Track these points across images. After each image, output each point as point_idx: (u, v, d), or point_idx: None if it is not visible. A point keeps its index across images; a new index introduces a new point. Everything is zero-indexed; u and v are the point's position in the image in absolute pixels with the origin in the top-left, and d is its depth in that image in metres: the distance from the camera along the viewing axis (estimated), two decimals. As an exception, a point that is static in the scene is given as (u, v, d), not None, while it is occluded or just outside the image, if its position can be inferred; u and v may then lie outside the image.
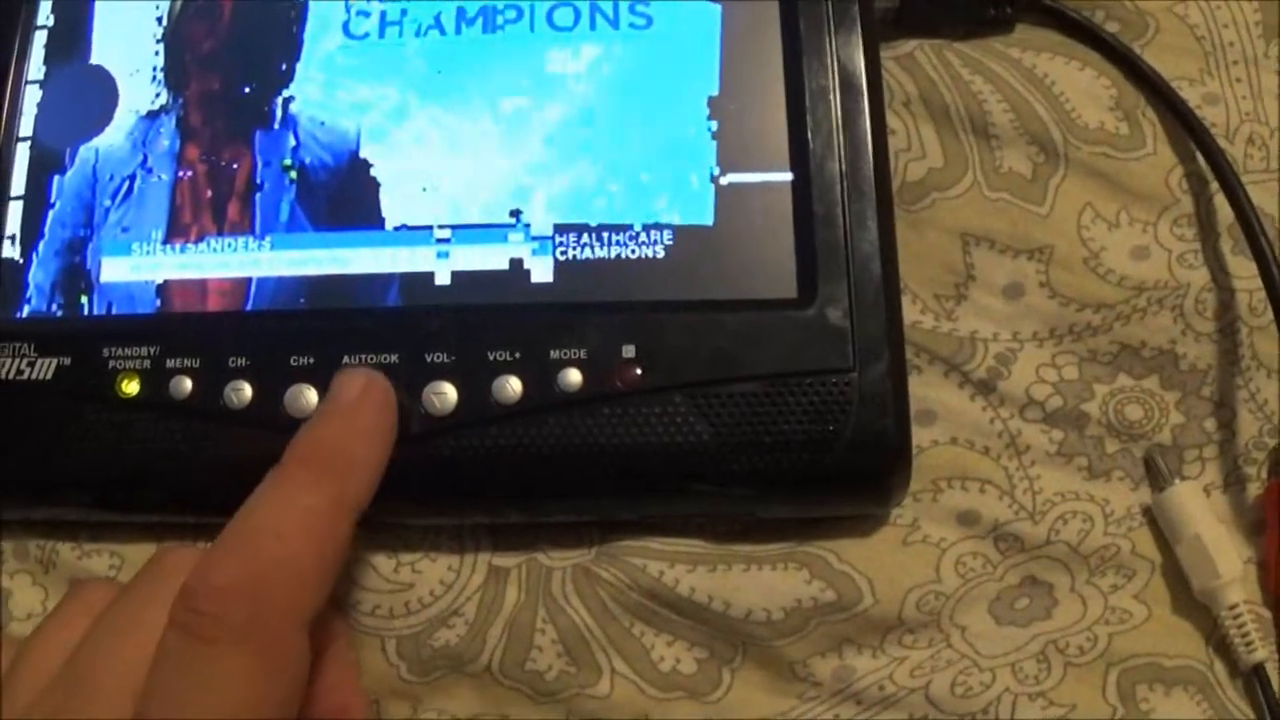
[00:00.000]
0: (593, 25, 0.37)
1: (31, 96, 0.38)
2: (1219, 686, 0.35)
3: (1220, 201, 0.39)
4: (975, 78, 0.40)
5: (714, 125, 0.36)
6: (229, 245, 0.36)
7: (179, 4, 0.39)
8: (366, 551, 0.36)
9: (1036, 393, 0.38)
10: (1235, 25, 0.41)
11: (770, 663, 0.35)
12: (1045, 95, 0.40)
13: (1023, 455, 0.37)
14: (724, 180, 0.36)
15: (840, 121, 0.35)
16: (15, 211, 0.37)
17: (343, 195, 0.36)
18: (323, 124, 0.37)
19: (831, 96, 0.35)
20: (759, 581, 0.35)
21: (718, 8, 0.37)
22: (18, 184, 0.37)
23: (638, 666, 0.35)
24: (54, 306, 0.36)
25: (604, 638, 0.35)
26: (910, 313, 0.38)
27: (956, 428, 0.37)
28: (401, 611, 0.35)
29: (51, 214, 0.37)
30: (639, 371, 0.33)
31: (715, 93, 0.36)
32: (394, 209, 0.36)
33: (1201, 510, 0.36)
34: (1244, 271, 0.38)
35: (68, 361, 0.34)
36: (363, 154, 0.37)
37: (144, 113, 0.38)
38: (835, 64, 0.36)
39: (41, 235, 0.37)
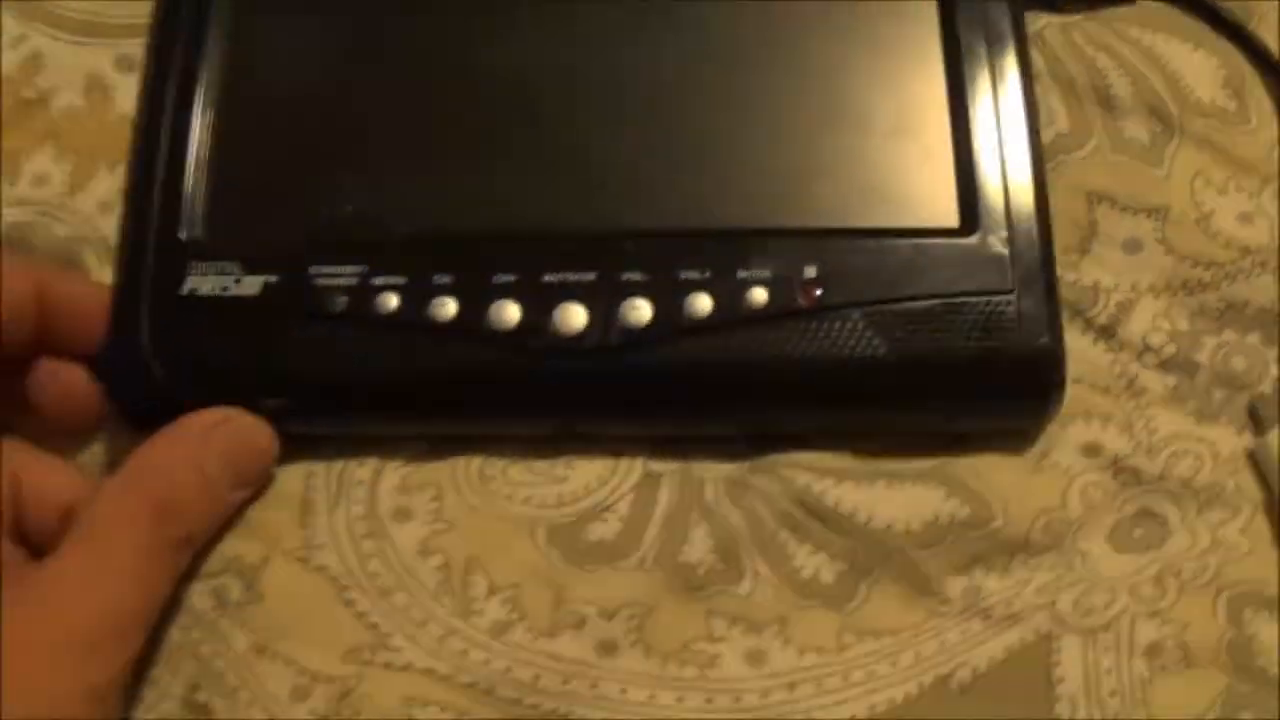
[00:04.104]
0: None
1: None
2: (1317, 614, 0.41)
3: (1319, 175, 0.45)
4: (1099, 54, 0.47)
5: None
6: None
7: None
8: (521, 456, 0.41)
9: (1152, 340, 0.44)
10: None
11: (905, 577, 0.40)
12: (1162, 72, 0.47)
13: (1140, 397, 0.43)
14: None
15: (992, 73, 0.42)
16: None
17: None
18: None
19: (980, 49, 0.42)
20: (901, 495, 0.41)
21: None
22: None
23: (780, 572, 0.40)
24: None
25: (751, 541, 0.40)
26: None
27: (1081, 368, 0.43)
28: (554, 501, 0.40)
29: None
30: (820, 291, 0.39)
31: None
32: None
33: None
34: None
35: (274, 279, 0.40)
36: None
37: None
38: (986, 26, 0.42)
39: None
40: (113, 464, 0.41)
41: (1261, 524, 0.42)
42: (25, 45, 0.47)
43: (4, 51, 0.47)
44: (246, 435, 0.39)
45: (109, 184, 0.44)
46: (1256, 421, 0.43)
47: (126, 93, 0.46)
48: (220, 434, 0.38)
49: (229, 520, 0.39)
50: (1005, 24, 0.43)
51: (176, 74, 0.43)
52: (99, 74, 0.47)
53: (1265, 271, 0.44)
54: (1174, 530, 0.42)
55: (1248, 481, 0.43)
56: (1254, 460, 0.43)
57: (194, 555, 0.38)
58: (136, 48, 0.46)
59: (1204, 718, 0.39)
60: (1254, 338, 0.44)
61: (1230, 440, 0.43)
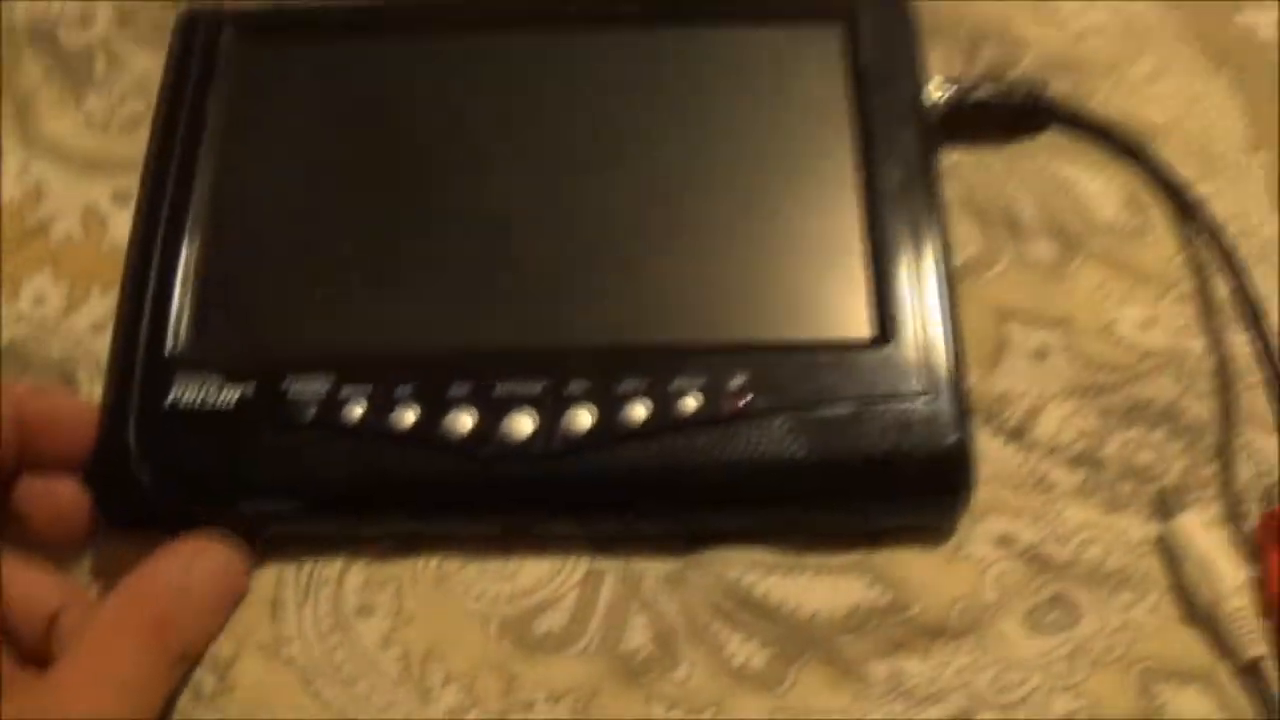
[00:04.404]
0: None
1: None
2: (1223, 684, 0.43)
3: (1214, 282, 0.49)
4: (1009, 182, 0.51)
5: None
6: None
7: None
8: (476, 555, 0.45)
9: (1061, 440, 0.47)
10: (1228, 138, 0.52)
11: (832, 662, 0.43)
12: (1067, 194, 0.51)
13: (1050, 492, 0.47)
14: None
15: (906, 201, 0.47)
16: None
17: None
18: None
19: (895, 180, 0.47)
20: (825, 585, 0.44)
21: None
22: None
23: (714, 659, 0.43)
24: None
25: (686, 631, 0.43)
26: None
27: (993, 468, 0.46)
28: (505, 597, 0.44)
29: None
30: (746, 399, 0.43)
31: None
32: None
33: (1204, 535, 0.45)
34: (1236, 340, 0.48)
35: (251, 391, 0.44)
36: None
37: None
38: (903, 162, 0.47)
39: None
40: (99, 572, 0.45)
41: (1169, 604, 0.45)
42: (29, 176, 0.52)
43: (9, 181, 0.52)
44: (228, 560, 0.42)
45: (102, 306, 0.49)
46: (1164, 509, 0.47)
47: (121, 224, 0.50)
48: (205, 559, 0.42)
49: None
50: (917, 159, 0.48)
51: (168, 204, 0.48)
52: (96, 206, 0.52)
53: (1167, 372, 0.48)
54: (1085, 613, 0.45)
55: (1156, 565, 0.46)
56: (1163, 545, 0.46)
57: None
58: (132, 183, 0.50)
59: (1115, 785, 0.42)
60: (1159, 433, 0.48)
61: (1139, 528, 0.46)
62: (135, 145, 0.51)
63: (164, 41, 0.53)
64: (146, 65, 0.54)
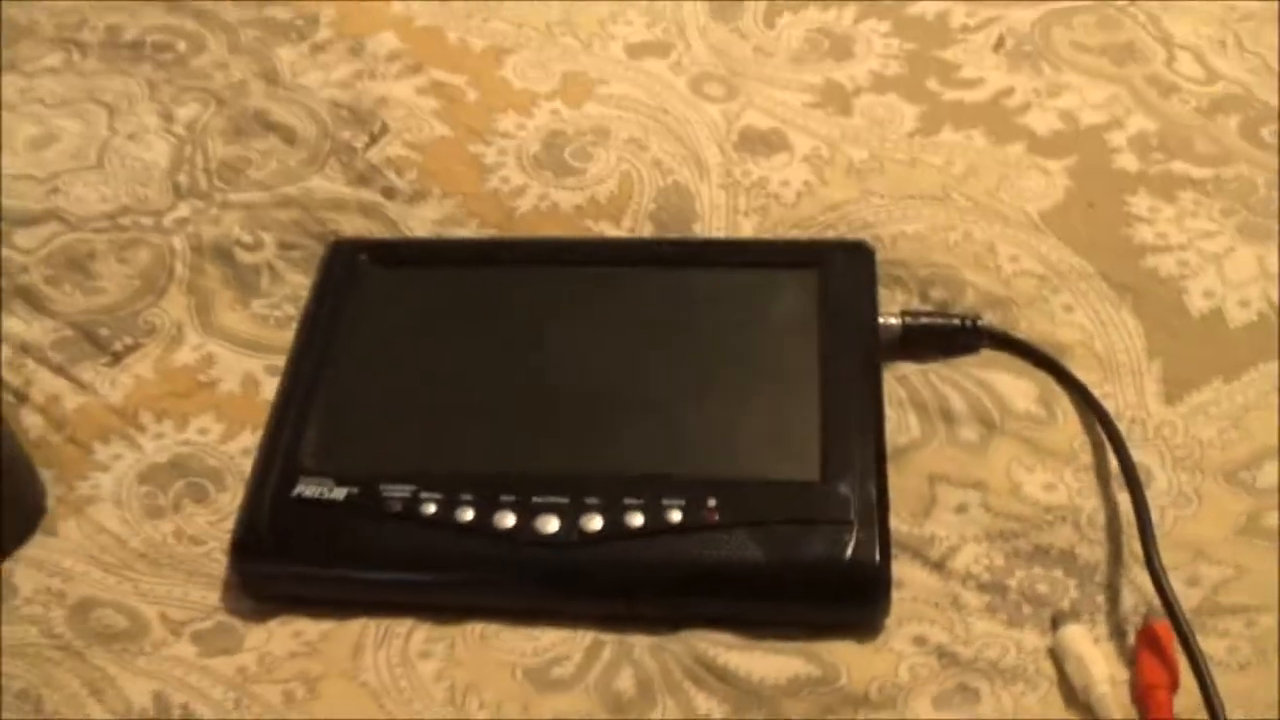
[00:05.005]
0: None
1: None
2: (1098, 759, 0.55)
3: (1109, 458, 0.63)
4: (945, 385, 0.67)
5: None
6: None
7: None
8: (510, 624, 0.59)
9: (974, 571, 0.61)
10: (1128, 351, 0.68)
11: (774, 718, 0.56)
12: (990, 394, 0.67)
13: (962, 610, 0.60)
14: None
15: (841, 388, 0.63)
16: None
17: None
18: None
19: (851, 372, 0.64)
20: (773, 661, 0.57)
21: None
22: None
23: (683, 709, 0.56)
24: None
25: (663, 685, 0.57)
26: (892, 522, 0.62)
27: (916, 590, 0.60)
28: (530, 653, 0.58)
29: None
30: (718, 515, 0.58)
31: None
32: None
33: (1084, 641, 0.57)
34: (1122, 501, 0.62)
35: (355, 491, 0.61)
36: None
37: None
38: (854, 363, 0.65)
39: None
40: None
41: (1055, 695, 0.57)
42: (204, 349, 0.72)
43: (189, 352, 0.71)
44: None
45: (249, 440, 0.67)
46: (1056, 626, 0.59)
47: (269, 388, 0.69)
48: None
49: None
50: (866, 364, 0.65)
51: (306, 371, 0.67)
52: (253, 374, 0.70)
53: (1065, 524, 0.62)
54: (984, 698, 0.57)
55: (1046, 666, 0.58)
56: (1052, 654, 0.58)
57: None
58: (281, 361, 0.69)
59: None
60: (1057, 572, 0.61)
61: (1034, 640, 0.59)
62: (286, 336, 0.71)
63: (313, 264, 0.73)
64: (299, 280, 0.74)
